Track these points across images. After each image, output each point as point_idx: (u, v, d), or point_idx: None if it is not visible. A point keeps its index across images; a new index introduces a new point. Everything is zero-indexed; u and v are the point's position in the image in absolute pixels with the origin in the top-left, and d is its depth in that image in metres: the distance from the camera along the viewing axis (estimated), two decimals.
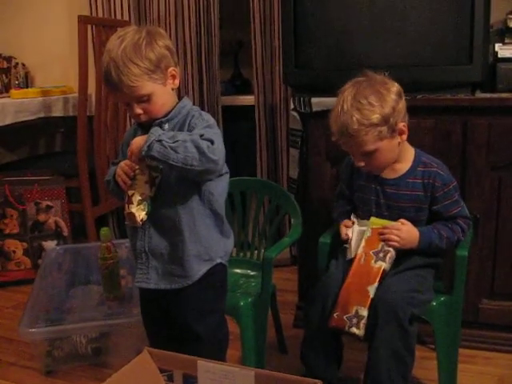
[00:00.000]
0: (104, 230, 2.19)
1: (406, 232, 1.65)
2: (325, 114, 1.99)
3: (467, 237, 1.74)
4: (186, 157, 1.33)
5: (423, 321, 1.68)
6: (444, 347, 1.75)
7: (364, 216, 1.75)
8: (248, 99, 3.07)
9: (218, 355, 1.52)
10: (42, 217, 2.88)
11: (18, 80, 3.41)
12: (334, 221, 1.88)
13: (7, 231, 2.85)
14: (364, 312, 1.58)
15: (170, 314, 1.57)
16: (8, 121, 2.79)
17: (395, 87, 1.62)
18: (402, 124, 1.62)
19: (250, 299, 1.80)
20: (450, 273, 1.73)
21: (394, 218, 1.69)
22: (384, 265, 1.63)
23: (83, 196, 2.89)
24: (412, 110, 2.01)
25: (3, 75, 3.39)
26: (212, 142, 1.37)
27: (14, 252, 2.86)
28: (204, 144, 1.35)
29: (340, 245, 1.78)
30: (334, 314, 1.61)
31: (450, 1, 1.93)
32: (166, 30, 3.02)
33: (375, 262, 1.63)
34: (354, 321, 1.58)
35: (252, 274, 2.05)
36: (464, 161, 1.98)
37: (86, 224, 2.92)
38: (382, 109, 1.57)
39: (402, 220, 1.67)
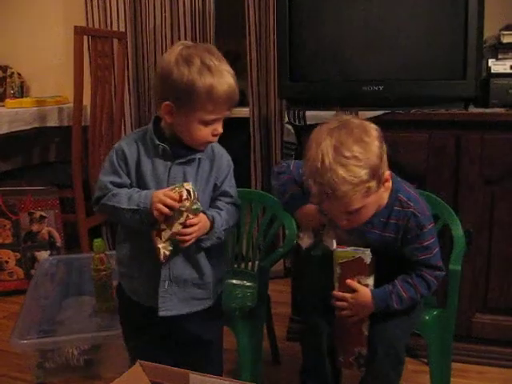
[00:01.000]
0: (97, 241, 2.19)
1: (357, 306, 1.51)
2: None
3: (460, 251, 1.74)
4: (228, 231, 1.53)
5: (416, 334, 1.68)
6: (437, 361, 1.75)
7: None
8: (243, 111, 3.07)
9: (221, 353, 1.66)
10: (35, 227, 2.87)
11: (13, 89, 3.41)
12: (283, 201, 1.65)
13: (0, 241, 2.83)
14: (364, 350, 1.54)
15: (178, 329, 1.56)
16: (2, 130, 2.78)
17: (376, 131, 1.42)
18: (388, 172, 1.44)
19: (246, 309, 1.80)
20: (443, 287, 1.73)
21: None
22: None
23: (77, 206, 2.88)
24: (406, 125, 2.04)
25: None
26: (237, 204, 1.57)
27: (7, 262, 2.84)
28: (237, 213, 1.56)
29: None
30: (340, 358, 1.58)
31: (444, 16, 1.95)
32: (161, 41, 3.05)
33: None
34: (361, 361, 1.55)
35: (248, 284, 2.05)
36: (457, 175, 1.99)
37: (80, 235, 2.91)
38: (370, 161, 1.36)
39: (356, 287, 1.51)
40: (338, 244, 1.54)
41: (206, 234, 1.46)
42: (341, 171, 1.33)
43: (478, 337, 2.08)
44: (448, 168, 1.99)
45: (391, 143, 2.02)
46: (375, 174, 1.37)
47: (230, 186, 1.56)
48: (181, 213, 1.40)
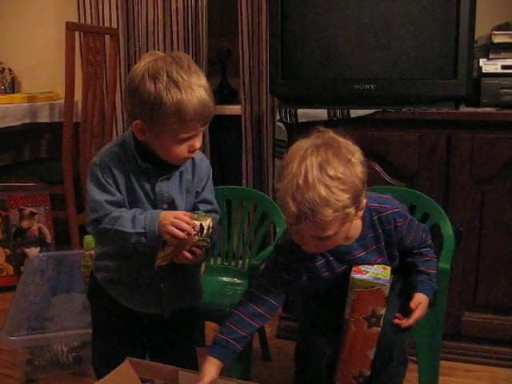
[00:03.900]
0: (87, 238, 2.18)
1: (424, 309, 1.48)
2: (310, 125, 2.02)
3: (450, 249, 1.75)
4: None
5: None
6: (425, 359, 1.76)
7: (335, 285, 1.49)
8: (235, 109, 3.08)
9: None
10: (25, 223, 2.86)
11: (3, 85, 3.39)
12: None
13: None
14: (368, 372, 1.49)
15: (162, 327, 1.56)
16: None
17: (360, 154, 1.32)
18: (365, 201, 1.36)
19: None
20: None
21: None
22: (379, 329, 1.45)
23: (68, 203, 2.88)
24: (397, 124, 2.04)
25: None
26: (218, 211, 1.55)
27: None
28: (218, 223, 1.52)
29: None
30: (338, 374, 1.52)
31: (436, 16, 1.95)
32: (154, 38, 3.04)
33: (368, 327, 1.44)
34: (361, 380, 1.50)
35: (238, 282, 2.05)
36: (448, 174, 1.99)
37: (70, 231, 2.90)
38: (353, 185, 1.27)
39: (418, 301, 1.47)
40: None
41: None
42: (323, 192, 1.22)
43: (467, 335, 2.09)
44: (438, 167, 1.99)
45: (382, 142, 2.03)
46: (356, 200, 1.28)
47: (209, 192, 1.53)
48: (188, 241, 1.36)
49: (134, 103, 1.33)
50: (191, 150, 1.38)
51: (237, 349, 1.41)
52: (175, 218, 1.33)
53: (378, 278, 1.41)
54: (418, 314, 1.47)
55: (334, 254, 1.45)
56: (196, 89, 1.30)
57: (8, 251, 2.84)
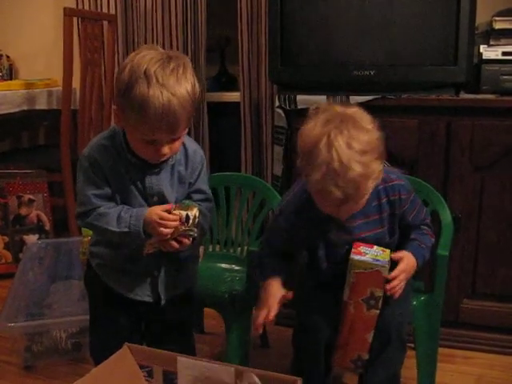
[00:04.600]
0: None
1: (410, 267, 1.47)
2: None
3: (449, 236, 1.75)
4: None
5: None
6: (424, 346, 1.76)
7: (333, 267, 1.52)
8: (233, 96, 3.06)
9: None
10: (23, 210, 2.85)
11: (1, 72, 3.37)
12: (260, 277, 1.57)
13: None
14: (366, 356, 1.50)
15: (159, 313, 1.56)
16: None
17: (366, 114, 1.37)
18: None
19: (235, 293, 1.80)
20: (431, 272, 1.74)
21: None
22: (377, 311, 1.45)
23: (66, 190, 2.87)
24: (396, 110, 2.03)
25: None
26: (210, 199, 1.54)
27: None
28: (211, 211, 1.53)
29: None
30: (336, 358, 1.54)
31: (437, 2, 1.94)
32: (152, 24, 3.01)
33: (367, 309, 1.45)
34: (359, 363, 1.51)
35: (236, 268, 2.05)
36: (447, 161, 1.99)
37: (68, 218, 2.90)
38: (379, 150, 1.32)
39: (399, 255, 1.47)
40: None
41: None
42: (361, 169, 1.26)
43: (466, 322, 2.09)
44: (438, 154, 1.99)
45: (381, 128, 2.02)
46: (382, 159, 1.34)
47: (203, 182, 1.52)
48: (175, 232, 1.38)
49: (115, 88, 1.35)
50: (158, 154, 1.35)
51: (286, 268, 1.53)
52: (161, 219, 1.36)
53: (377, 260, 1.42)
54: (402, 266, 1.45)
55: (334, 220, 1.45)
56: (165, 93, 1.26)
57: (6, 238, 2.84)
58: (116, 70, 1.32)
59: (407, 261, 1.47)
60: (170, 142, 1.34)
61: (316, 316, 1.52)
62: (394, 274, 1.44)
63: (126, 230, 1.37)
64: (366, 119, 1.34)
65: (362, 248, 1.45)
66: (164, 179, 1.44)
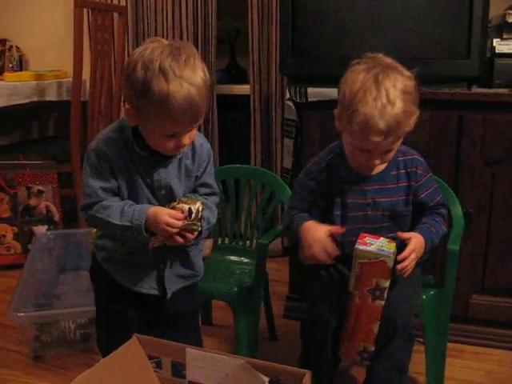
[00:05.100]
0: None
1: (419, 247, 1.49)
2: (320, 104, 2.00)
3: (459, 231, 1.74)
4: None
5: None
6: (433, 341, 1.76)
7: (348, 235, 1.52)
8: (243, 88, 3.05)
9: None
10: (33, 201, 2.86)
11: (11, 63, 3.38)
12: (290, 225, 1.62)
13: None
14: (372, 348, 1.50)
15: (166, 305, 1.55)
16: (1, 104, 2.76)
17: (402, 67, 1.47)
18: None
19: (244, 286, 1.80)
20: (441, 267, 1.73)
21: (382, 223, 1.54)
22: (383, 302, 1.46)
23: (75, 181, 2.87)
24: None
25: None
26: (217, 193, 1.54)
27: (4, 236, 2.84)
28: (217, 205, 1.53)
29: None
30: (343, 349, 1.54)
31: None
32: (162, 16, 3.01)
33: (373, 300, 1.45)
34: (365, 355, 1.52)
35: (246, 261, 2.06)
36: (459, 155, 1.97)
37: (77, 210, 2.90)
38: (416, 97, 1.44)
39: (408, 235, 1.49)
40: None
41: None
42: (405, 106, 1.38)
43: (475, 318, 2.09)
44: (449, 148, 1.97)
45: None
46: (417, 109, 1.44)
47: (209, 175, 1.51)
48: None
49: (127, 87, 1.32)
50: (179, 146, 1.35)
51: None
52: (170, 217, 1.35)
53: (382, 250, 1.42)
54: (411, 246, 1.47)
55: (352, 178, 1.54)
56: (185, 85, 1.25)
57: (16, 229, 2.85)
58: (126, 61, 1.26)
59: (416, 240, 1.49)
60: (190, 132, 1.34)
61: (324, 308, 1.54)
62: (404, 254, 1.46)
63: (128, 223, 1.36)
64: (404, 68, 1.46)
65: (368, 239, 1.46)
66: (172, 172, 1.43)
